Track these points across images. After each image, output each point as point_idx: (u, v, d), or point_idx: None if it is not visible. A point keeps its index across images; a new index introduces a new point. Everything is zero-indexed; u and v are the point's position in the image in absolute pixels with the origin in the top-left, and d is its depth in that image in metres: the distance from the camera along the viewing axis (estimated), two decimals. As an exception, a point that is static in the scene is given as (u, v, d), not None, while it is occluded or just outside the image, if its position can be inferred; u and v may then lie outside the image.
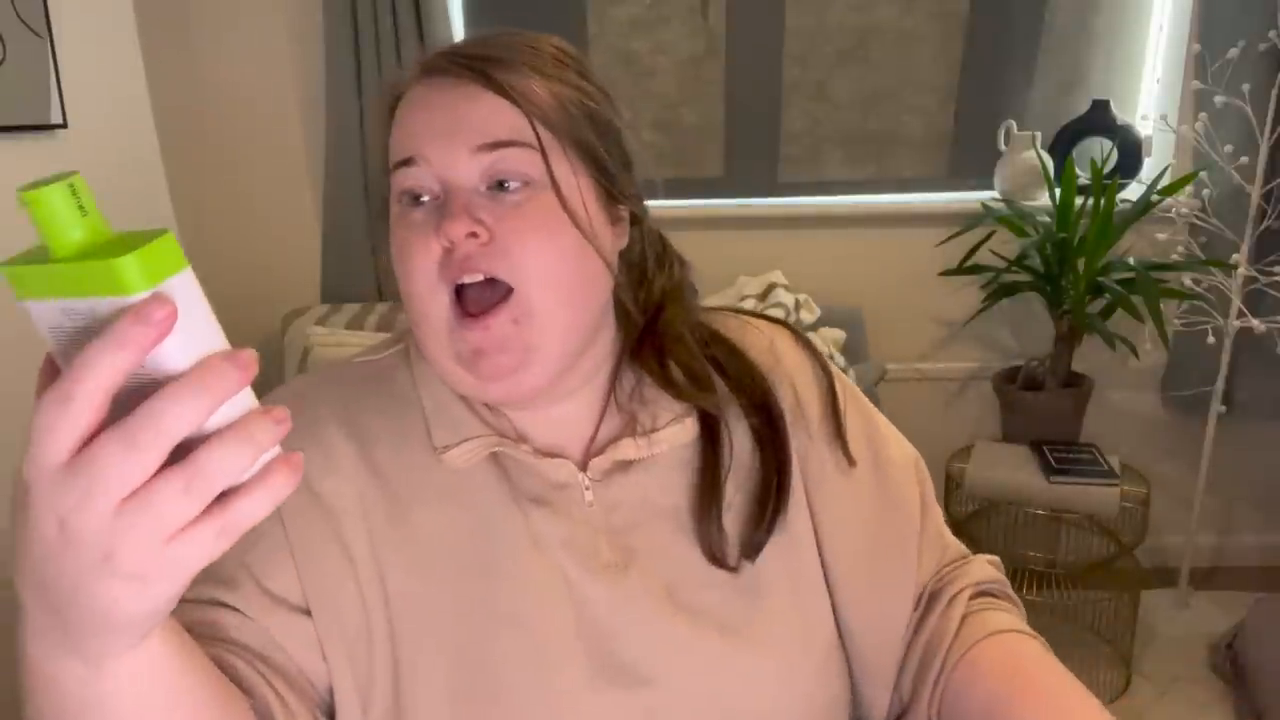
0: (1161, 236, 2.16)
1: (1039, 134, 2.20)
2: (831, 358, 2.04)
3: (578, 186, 0.63)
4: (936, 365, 2.42)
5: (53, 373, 0.37)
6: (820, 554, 0.70)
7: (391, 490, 0.64)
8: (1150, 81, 2.31)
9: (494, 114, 0.61)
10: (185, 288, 0.35)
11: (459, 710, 0.61)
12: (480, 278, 0.60)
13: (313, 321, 2.16)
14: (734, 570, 0.66)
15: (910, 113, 2.41)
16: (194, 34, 2.28)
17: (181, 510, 0.34)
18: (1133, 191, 2.19)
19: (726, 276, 2.24)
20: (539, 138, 0.61)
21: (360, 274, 2.31)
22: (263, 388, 0.41)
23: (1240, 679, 1.93)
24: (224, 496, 0.35)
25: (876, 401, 1.66)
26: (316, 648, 0.61)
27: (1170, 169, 2.19)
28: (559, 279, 0.61)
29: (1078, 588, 1.99)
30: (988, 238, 2.22)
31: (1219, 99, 1.97)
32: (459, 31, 2.28)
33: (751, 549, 0.67)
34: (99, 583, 0.35)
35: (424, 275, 0.60)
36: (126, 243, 0.34)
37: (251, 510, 0.36)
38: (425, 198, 0.62)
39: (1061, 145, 2.24)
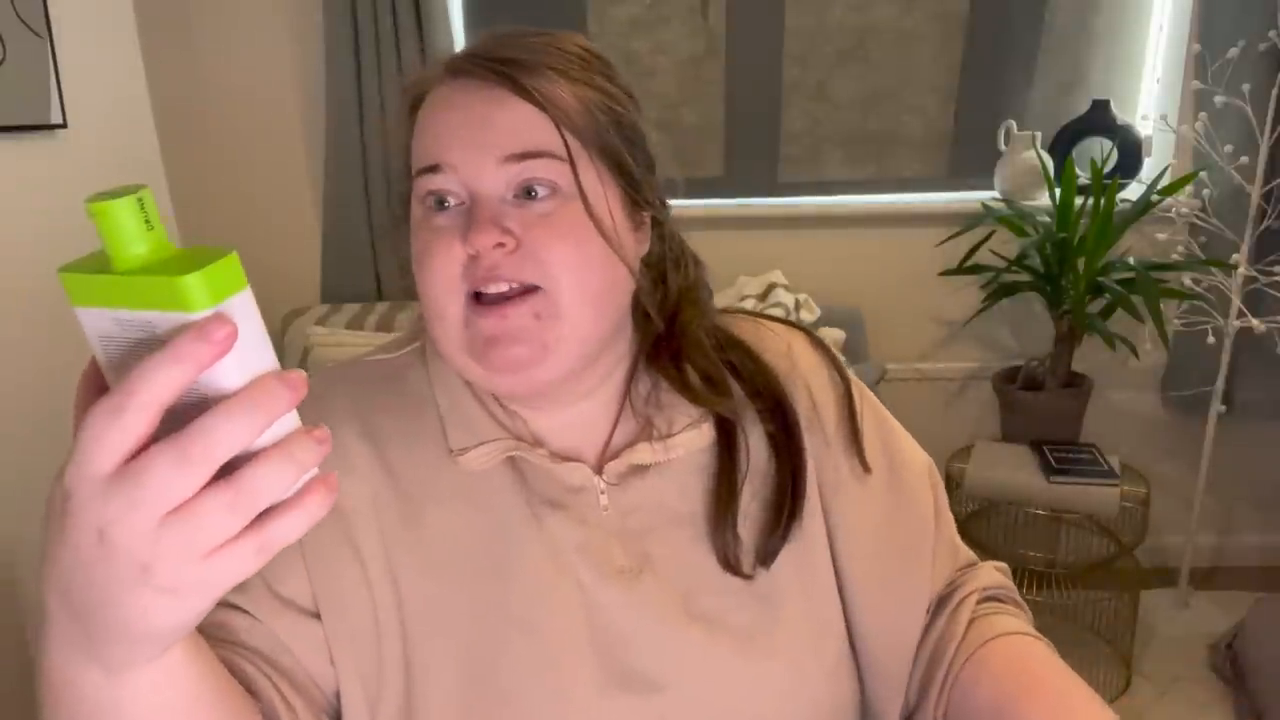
0: (1161, 236, 2.16)
1: (1039, 134, 2.20)
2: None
3: (604, 195, 0.62)
4: (936, 365, 2.42)
5: (95, 379, 0.38)
6: (834, 560, 0.70)
7: (405, 491, 0.64)
8: (1150, 81, 2.31)
9: (522, 121, 0.60)
10: (244, 306, 0.35)
11: (469, 713, 0.61)
12: (505, 288, 0.59)
13: (313, 321, 2.17)
14: (749, 577, 0.66)
15: (910, 113, 2.41)
16: (194, 34, 2.28)
17: (224, 527, 0.34)
18: (1133, 191, 2.19)
19: (726, 276, 2.23)
20: (568, 148, 0.60)
21: (360, 274, 2.31)
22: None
23: (1240, 679, 1.93)
24: (262, 515, 0.35)
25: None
26: (324, 651, 0.61)
27: (1170, 169, 2.19)
28: (586, 286, 0.60)
29: (1078, 588, 1.99)
30: (988, 238, 2.22)
31: (1219, 99, 1.97)
32: (459, 31, 2.27)
33: (766, 556, 0.66)
34: (131, 594, 0.35)
35: (446, 279, 0.60)
36: (191, 260, 0.34)
37: (289, 530, 0.36)
38: (450, 201, 0.61)
39: (1061, 145, 2.24)
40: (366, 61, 2.17)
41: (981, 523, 2.09)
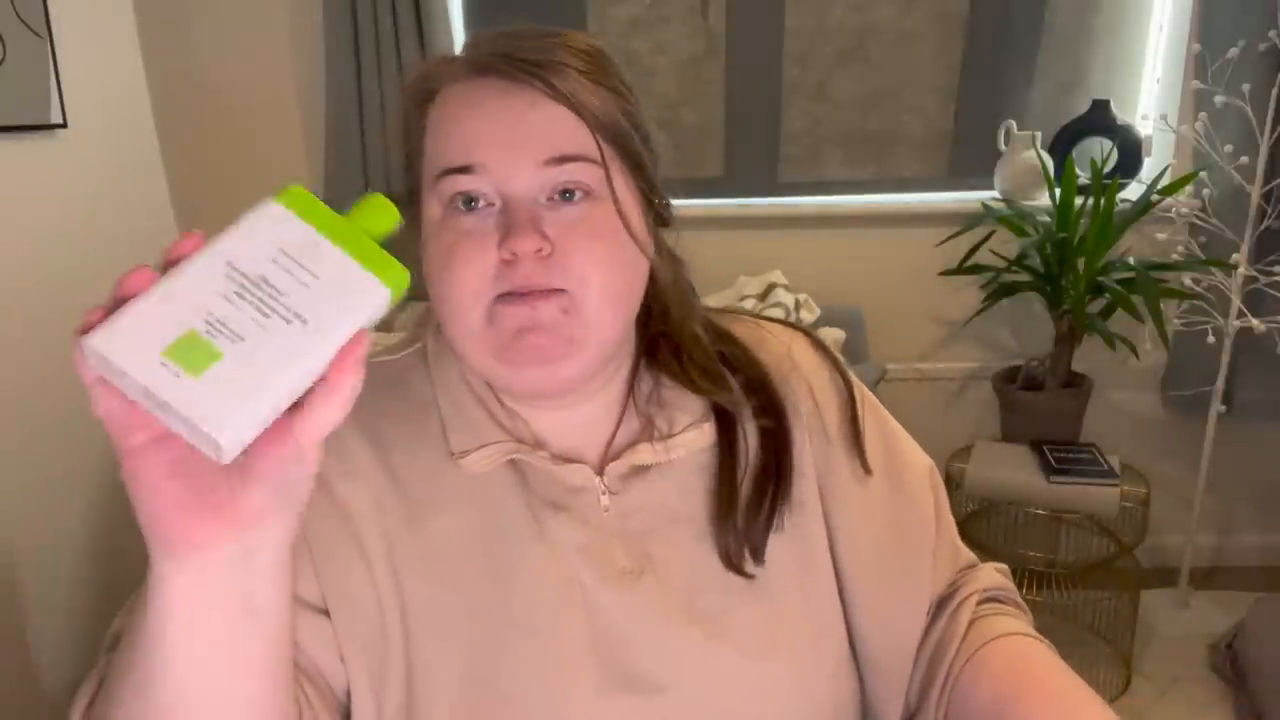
0: (1161, 236, 2.16)
1: (1039, 134, 2.20)
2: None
3: (630, 196, 0.63)
4: (936, 365, 2.42)
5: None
6: (835, 561, 0.70)
7: (408, 494, 0.64)
8: (1150, 81, 2.31)
9: (558, 125, 0.60)
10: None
11: (470, 714, 0.61)
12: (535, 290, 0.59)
13: (313, 321, 2.16)
14: (750, 577, 0.66)
15: (910, 113, 2.41)
16: (194, 34, 2.28)
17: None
18: (1133, 191, 2.19)
19: (726, 276, 2.24)
20: (601, 151, 0.60)
21: (360, 274, 2.31)
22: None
23: (1240, 679, 1.93)
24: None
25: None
26: (335, 648, 0.61)
27: (1170, 169, 2.19)
28: (611, 288, 0.61)
29: (1078, 588, 1.99)
30: (988, 238, 2.22)
31: (1219, 99, 1.97)
32: (459, 31, 2.27)
33: (756, 549, 0.66)
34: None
35: (477, 281, 0.59)
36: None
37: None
38: (480, 203, 0.60)
39: (1061, 145, 2.24)
40: (366, 61, 2.17)
41: (981, 523, 2.09)
